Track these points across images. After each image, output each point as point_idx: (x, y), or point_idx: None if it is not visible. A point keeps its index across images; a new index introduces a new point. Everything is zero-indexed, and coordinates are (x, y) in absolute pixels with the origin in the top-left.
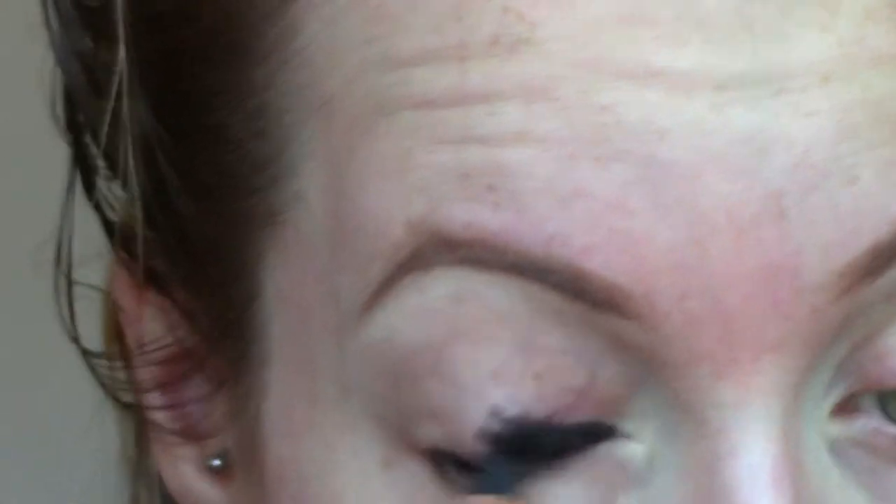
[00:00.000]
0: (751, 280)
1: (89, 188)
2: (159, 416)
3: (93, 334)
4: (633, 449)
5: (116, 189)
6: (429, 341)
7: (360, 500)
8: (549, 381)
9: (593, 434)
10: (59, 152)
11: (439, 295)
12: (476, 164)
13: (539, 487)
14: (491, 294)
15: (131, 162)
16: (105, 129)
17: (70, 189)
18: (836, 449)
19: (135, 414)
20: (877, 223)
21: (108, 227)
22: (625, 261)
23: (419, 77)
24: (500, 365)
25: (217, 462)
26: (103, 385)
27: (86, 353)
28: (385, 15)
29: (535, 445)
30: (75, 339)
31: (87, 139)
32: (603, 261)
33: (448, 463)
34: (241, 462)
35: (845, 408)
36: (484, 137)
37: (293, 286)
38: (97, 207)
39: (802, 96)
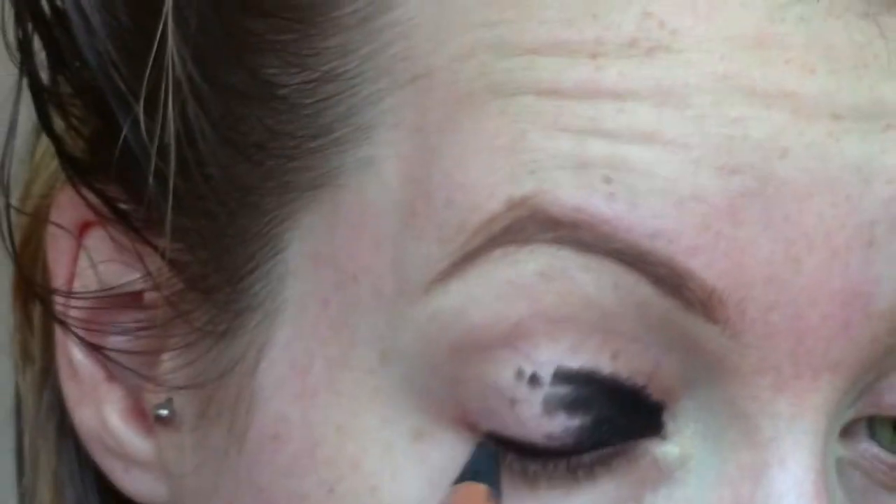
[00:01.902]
0: (832, 301)
1: (45, 117)
2: (121, 357)
3: None
4: (668, 448)
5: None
6: (508, 314)
7: (382, 468)
8: (623, 360)
9: (646, 424)
10: None
11: (529, 270)
12: (597, 155)
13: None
14: (581, 277)
15: (171, 107)
16: (147, 70)
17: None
18: (838, 469)
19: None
20: None
21: (66, 157)
22: (726, 266)
23: (547, 66)
24: (577, 343)
25: (164, 411)
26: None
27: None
28: (511, 2)
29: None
30: (20, 267)
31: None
32: (706, 263)
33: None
34: (200, 415)
35: (849, 431)
36: (611, 132)
37: (337, 250)
38: (55, 138)
39: None
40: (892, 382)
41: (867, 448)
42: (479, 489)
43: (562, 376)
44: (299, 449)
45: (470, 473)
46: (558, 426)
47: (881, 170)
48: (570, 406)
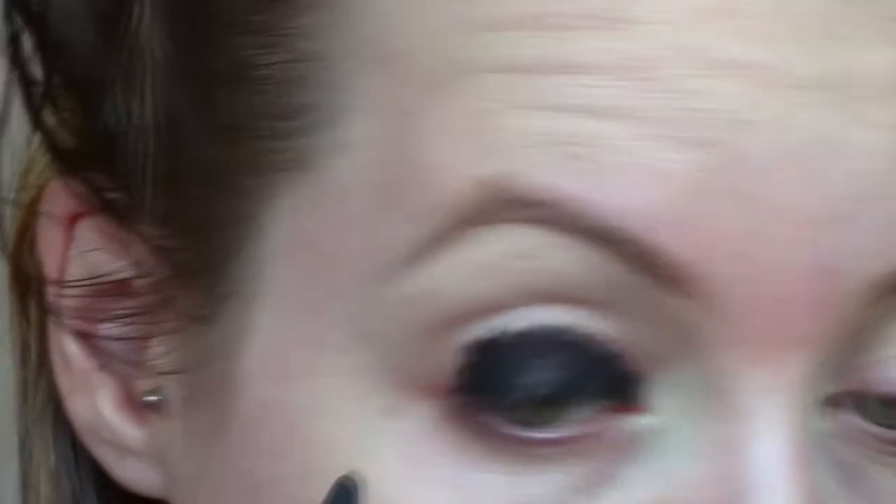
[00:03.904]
0: (801, 276)
1: (34, 108)
2: (113, 346)
3: None
4: (645, 420)
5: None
6: (480, 293)
7: (357, 447)
8: (597, 328)
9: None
10: None
11: (500, 250)
12: (563, 131)
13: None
14: (553, 255)
15: (148, 88)
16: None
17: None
18: (822, 442)
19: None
20: None
21: (55, 148)
22: (695, 241)
23: (510, 42)
24: (551, 311)
25: (153, 397)
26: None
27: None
28: None
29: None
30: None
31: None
32: (674, 238)
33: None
34: (187, 401)
35: (835, 404)
36: (575, 107)
37: (314, 232)
38: (42, 129)
39: (870, 106)
40: (878, 359)
41: (853, 420)
42: None
43: (535, 331)
44: (279, 432)
45: None
46: (530, 377)
47: (846, 142)
48: (540, 353)
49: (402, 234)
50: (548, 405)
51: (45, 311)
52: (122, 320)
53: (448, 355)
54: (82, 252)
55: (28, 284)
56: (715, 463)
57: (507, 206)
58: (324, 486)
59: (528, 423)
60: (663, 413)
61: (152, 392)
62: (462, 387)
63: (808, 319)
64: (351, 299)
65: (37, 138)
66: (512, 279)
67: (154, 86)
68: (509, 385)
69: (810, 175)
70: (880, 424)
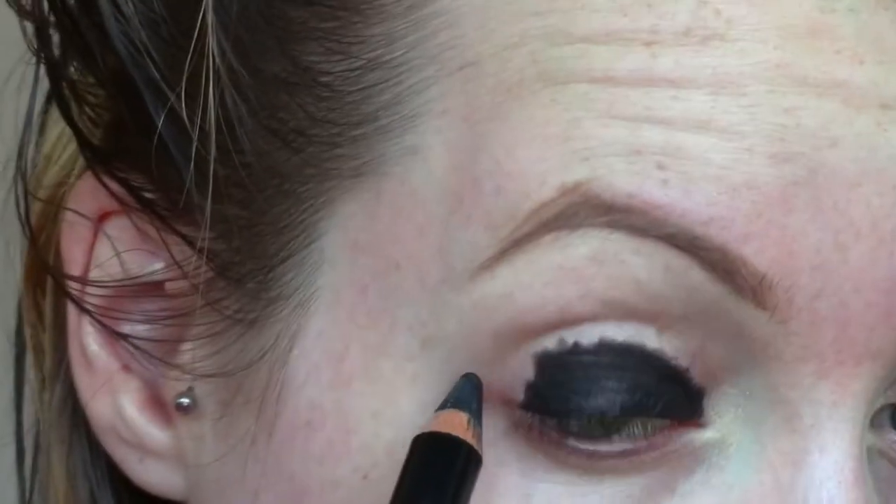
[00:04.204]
0: (877, 289)
1: (65, 106)
2: (140, 345)
3: None
4: (707, 434)
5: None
6: (556, 298)
7: None
8: (668, 340)
9: (686, 408)
10: None
11: (580, 254)
12: (651, 142)
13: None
14: (633, 260)
15: (212, 95)
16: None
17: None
18: (869, 457)
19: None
20: None
21: (87, 145)
22: (777, 253)
23: (601, 54)
24: (623, 321)
25: (185, 400)
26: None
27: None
28: None
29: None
30: (45, 264)
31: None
32: (757, 249)
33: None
34: (225, 404)
35: (874, 420)
36: (665, 119)
37: (378, 238)
38: (75, 127)
39: None
40: None
41: (889, 434)
42: (460, 417)
43: (605, 347)
44: (333, 436)
45: (452, 401)
46: (599, 398)
47: None
48: (610, 373)
49: (478, 239)
50: (614, 421)
51: (61, 312)
52: (153, 321)
53: (518, 366)
54: (115, 250)
55: (44, 285)
56: (776, 476)
57: (590, 210)
58: (386, 492)
59: (593, 437)
60: (726, 426)
61: (184, 394)
62: (530, 400)
63: (880, 332)
64: (419, 305)
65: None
66: (590, 286)
67: (216, 92)
68: (578, 405)
69: (892, 191)
70: None
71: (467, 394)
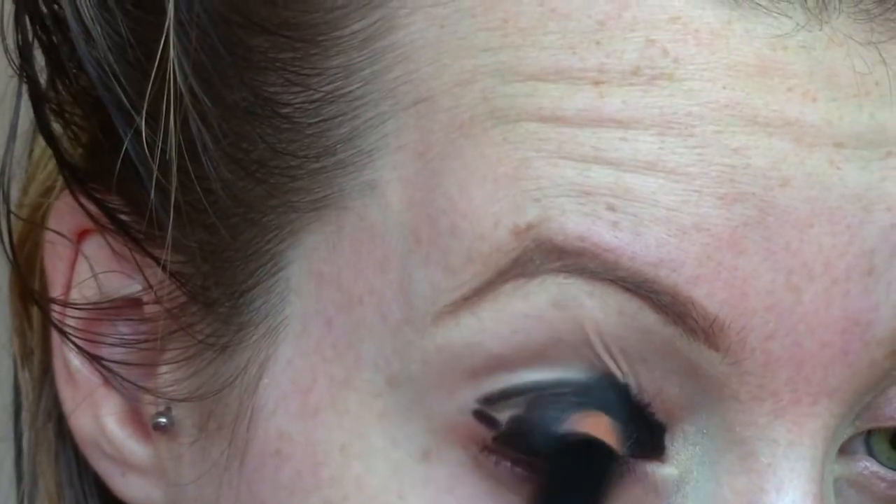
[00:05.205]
0: (831, 329)
1: (45, 123)
2: (117, 368)
3: None
4: (667, 470)
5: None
6: (528, 343)
7: (388, 489)
8: (632, 377)
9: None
10: None
11: (542, 301)
12: (600, 183)
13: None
14: (589, 303)
15: (172, 121)
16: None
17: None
18: (836, 488)
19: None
20: None
21: (66, 164)
22: (728, 296)
23: (550, 93)
24: (595, 360)
25: (163, 420)
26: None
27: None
28: (514, 28)
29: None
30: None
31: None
32: (708, 292)
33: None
34: (200, 427)
35: (846, 449)
36: (614, 160)
37: (341, 272)
38: (54, 145)
39: None
40: (890, 396)
41: (865, 465)
42: (603, 420)
43: (571, 383)
44: (302, 466)
45: (596, 404)
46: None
47: (881, 198)
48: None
49: (437, 280)
50: None
51: (48, 320)
52: (130, 344)
53: (485, 404)
54: (93, 270)
55: (31, 299)
56: None
57: (544, 255)
58: None
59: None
60: (685, 463)
61: (161, 414)
62: (497, 436)
63: (835, 371)
64: (383, 342)
65: (39, 146)
66: (553, 329)
67: (178, 117)
68: (544, 439)
69: (845, 231)
70: (887, 467)
71: (613, 398)
